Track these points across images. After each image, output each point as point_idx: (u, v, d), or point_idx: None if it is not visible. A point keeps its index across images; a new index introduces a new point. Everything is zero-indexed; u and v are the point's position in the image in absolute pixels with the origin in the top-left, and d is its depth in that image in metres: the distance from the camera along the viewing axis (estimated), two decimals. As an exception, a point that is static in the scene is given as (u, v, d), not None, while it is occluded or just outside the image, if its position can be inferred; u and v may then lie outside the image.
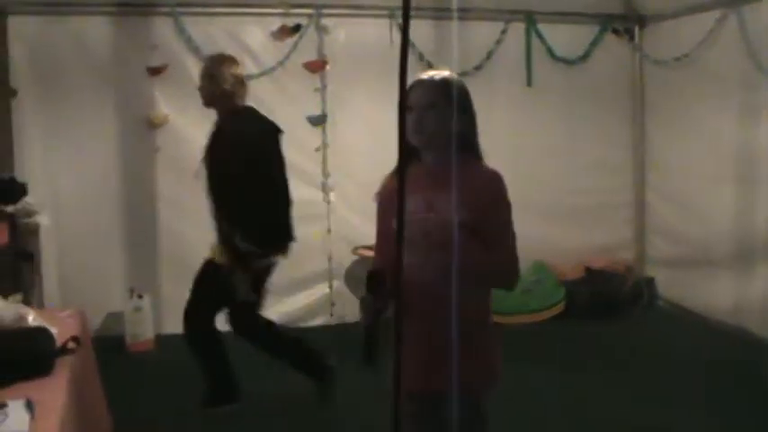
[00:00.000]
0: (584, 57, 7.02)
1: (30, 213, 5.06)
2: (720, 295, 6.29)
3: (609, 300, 6.83)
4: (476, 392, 2.61)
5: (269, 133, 4.61)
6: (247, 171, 4.30)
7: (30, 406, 2.21)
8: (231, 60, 4.61)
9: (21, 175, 5.19)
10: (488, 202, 2.56)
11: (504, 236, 2.58)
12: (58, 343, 2.79)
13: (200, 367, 4.65)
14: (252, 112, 4.65)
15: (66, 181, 6.07)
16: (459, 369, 2.46)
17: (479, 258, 2.53)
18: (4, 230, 4.71)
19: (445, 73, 2.67)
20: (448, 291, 2.44)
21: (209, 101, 4.59)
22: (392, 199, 2.17)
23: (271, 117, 6.43)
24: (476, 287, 2.59)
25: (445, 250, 2.46)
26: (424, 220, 2.52)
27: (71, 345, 2.79)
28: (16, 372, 2.49)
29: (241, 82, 4.58)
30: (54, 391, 2.38)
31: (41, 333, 2.69)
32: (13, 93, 5.31)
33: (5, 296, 3.63)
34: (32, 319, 2.88)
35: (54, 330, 2.90)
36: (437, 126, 2.57)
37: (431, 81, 2.61)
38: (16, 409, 2.19)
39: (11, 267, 4.86)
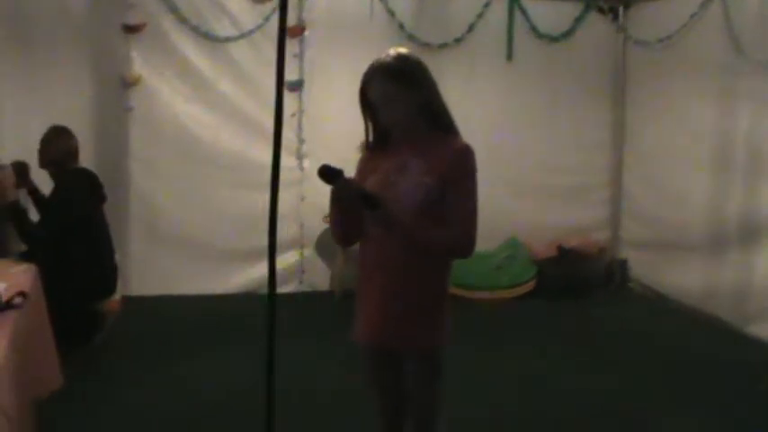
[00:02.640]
0: (568, 34, 6.98)
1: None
2: (692, 280, 6.31)
3: (580, 280, 6.83)
4: (424, 350, 2.74)
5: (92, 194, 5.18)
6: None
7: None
8: (67, 134, 5.14)
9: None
10: (455, 172, 2.60)
11: (464, 207, 2.62)
12: (4, 298, 2.78)
13: None
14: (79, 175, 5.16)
15: (37, 138, 6.04)
16: (411, 329, 2.68)
17: (436, 231, 2.61)
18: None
19: (393, 56, 2.66)
20: (409, 255, 2.62)
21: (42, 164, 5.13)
22: (365, 163, 2.70)
23: (247, 81, 6.45)
24: (432, 255, 2.67)
25: (412, 215, 2.58)
26: (393, 183, 2.62)
27: (17, 300, 2.77)
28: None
29: (71, 153, 5.14)
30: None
31: (-16, 287, 2.68)
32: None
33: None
34: (-22, 273, 2.87)
35: (2, 285, 2.89)
36: (398, 112, 2.63)
37: (380, 73, 2.61)
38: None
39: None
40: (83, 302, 5.07)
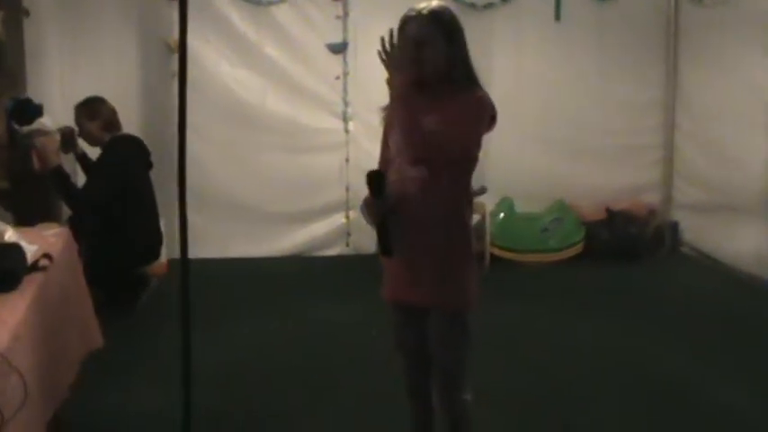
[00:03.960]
0: (618, -8, 6.79)
1: (45, 134, 5.07)
2: (746, 244, 6.13)
3: (629, 243, 6.72)
4: (449, 310, 2.75)
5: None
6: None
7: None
8: (101, 101, 5.21)
9: (36, 96, 5.18)
10: (462, 116, 2.62)
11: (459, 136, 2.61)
12: (31, 260, 2.80)
13: None
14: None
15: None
16: (437, 287, 2.71)
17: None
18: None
19: (434, 5, 2.69)
20: (436, 213, 2.67)
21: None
22: (390, 114, 2.75)
23: (291, 44, 6.43)
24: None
25: (428, 163, 2.62)
26: (410, 131, 2.64)
27: (43, 262, 2.80)
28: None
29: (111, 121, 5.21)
30: (14, 307, 2.38)
31: (11, 250, 2.69)
32: (26, 13, 5.26)
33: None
34: (9, 236, 2.89)
35: (32, 248, 2.90)
36: (435, 60, 2.63)
37: (421, 16, 2.64)
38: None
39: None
40: (128, 267, 5.13)
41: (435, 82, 2.66)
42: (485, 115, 2.66)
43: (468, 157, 2.67)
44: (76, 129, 5.16)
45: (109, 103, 5.20)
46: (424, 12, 2.64)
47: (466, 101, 2.64)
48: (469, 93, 2.66)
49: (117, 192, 4.96)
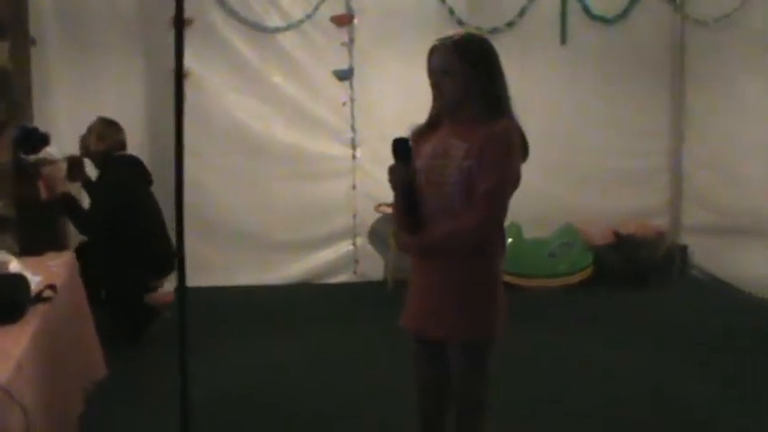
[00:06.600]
0: (622, 16, 6.78)
1: (51, 163, 5.07)
2: (756, 267, 6.09)
3: (638, 266, 6.66)
4: (471, 344, 2.68)
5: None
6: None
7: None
8: (117, 127, 5.24)
9: (42, 125, 5.19)
10: (486, 150, 2.55)
11: (485, 184, 2.54)
12: (35, 291, 2.78)
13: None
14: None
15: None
16: (453, 318, 2.64)
17: (446, 229, 2.61)
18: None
19: (463, 33, 2.70)
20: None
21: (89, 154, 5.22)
22: (418, 141, 2.68)
23: (297, 71, 6.45)
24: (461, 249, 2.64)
25: (458, 200, 2.58)
26: (438, 165, 2.61)
27: (47, 293, 2.78)
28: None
29: (123, 146, 5.25)
30: (17, 337, 2.36)
31: (15, 280, 2.67)
32: (33, 42, 5.29)
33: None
34: (13, 266, 2.87)
35: (36, 278, 2.89)
36: (454, 91, 2.60)
37: (444, 46, 2.62)
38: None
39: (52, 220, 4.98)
40: (140, 283, 5.12)
41: (462, 113, 2.62)
42: (514, 145, 2.58)
43: (482, 227, 2.61)
44: (83, 159, 5.17)
45: (123, 132, 5.24)
46: (448, 42, 2.62)
47: (492, 133, 2.55)
48: (496, 123, 2.57)
49: (121, 207, 4.95)
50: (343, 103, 6.53)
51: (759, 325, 5.50)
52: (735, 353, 4.95)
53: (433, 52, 2.63)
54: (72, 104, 6.02)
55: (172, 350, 4.29)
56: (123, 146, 5.21)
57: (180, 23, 1.66)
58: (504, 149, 2.55)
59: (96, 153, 5.14)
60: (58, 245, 4.70)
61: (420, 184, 2.65)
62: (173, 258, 5.31)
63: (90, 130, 5.16)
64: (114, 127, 5.19)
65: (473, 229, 2.57)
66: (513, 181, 2.60)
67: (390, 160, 2.66)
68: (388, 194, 5.66)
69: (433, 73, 2.63)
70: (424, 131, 2.71)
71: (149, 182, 5.30)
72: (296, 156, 6.58)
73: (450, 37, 2.64)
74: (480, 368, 2.70)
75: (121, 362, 3.79)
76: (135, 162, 5.24)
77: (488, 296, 2.67)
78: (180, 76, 1.80)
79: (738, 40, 6.20)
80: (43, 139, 4.91)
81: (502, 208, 2.63)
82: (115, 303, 5.06)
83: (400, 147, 2.62)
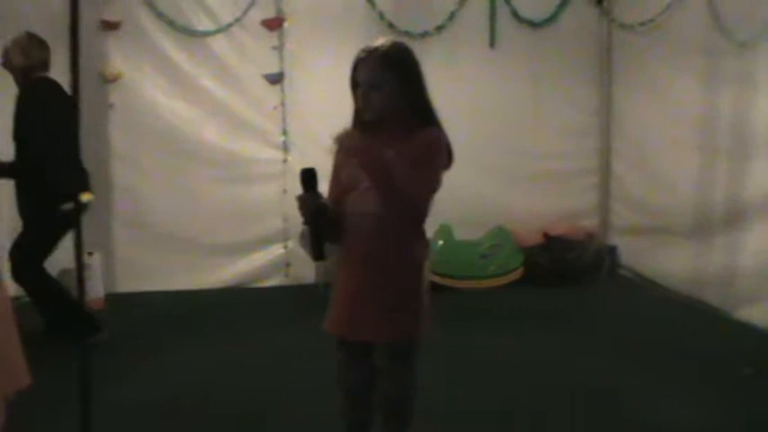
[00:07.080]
0: (551, 20, 6.88)
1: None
2: (680, 265, 6.24)
3: (568, 267, 6.77)
4: (396, 344, 2.73)
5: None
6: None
7: None
8: (46, 46, 5.04)
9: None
10: (416, 156, 2.59)
11: (414, 179, 2.58)
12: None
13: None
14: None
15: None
16: (382, 321, 2.67)
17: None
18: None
19: (389, 44, 2.69)
20: (384, 245, 2.67)
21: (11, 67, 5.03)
22: (346, 153, 2.67)
23: (227, 74, 6.41)
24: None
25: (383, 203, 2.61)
26: (370, 160, 2.61)
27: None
28: None
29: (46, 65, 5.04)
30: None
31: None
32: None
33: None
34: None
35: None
36: (382, 103, 2.63)
37: (372, 58, 2.63)
38: None
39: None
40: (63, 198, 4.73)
41: (390, 122, 2.64)
42: (440, 153, 2.65)
43: (418, 200, 2.64)
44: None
45: (49, 51, 5.04)
46: (376, 54, 2.62)
47: (420, 140, 2.61)
48: (423, 132, 2.63)
49: (51, 127, 4.77)
50: (274, 107, 6.51)
51: (682, 319, 5.67)
52: (659, 345, 5.08)
53: (359, 63, 2.63)
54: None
55: (103, 356, 4.28)
56: (46, 66, 5.01)
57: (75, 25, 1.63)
58: (431, 155, 2.63)
59: (17, 68, 4.96)
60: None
61: (347, 188, 2.69)
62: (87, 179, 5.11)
63: (15, 42, 4.95)
64: (40, 44, 5.00)
65: (411, 195, 2.59)
66: (433, 189, 2.65)
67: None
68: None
69: (359, 84, 2.63)
70: (352, 135, 2.71)
71: (74, 105, 5.04)
72: (227, 159, 6.55)
73: (377, 48, 2.64)
74: (407, 370, 2.74)
75: (53, 367, 3.72)
76: (57, 85, 4.98)
77: (414, 298, 2.71)
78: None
79: (663, 43, 6.32)
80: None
81: (423, 210, 2.66)
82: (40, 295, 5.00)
83: (307, 176, 2.66)
